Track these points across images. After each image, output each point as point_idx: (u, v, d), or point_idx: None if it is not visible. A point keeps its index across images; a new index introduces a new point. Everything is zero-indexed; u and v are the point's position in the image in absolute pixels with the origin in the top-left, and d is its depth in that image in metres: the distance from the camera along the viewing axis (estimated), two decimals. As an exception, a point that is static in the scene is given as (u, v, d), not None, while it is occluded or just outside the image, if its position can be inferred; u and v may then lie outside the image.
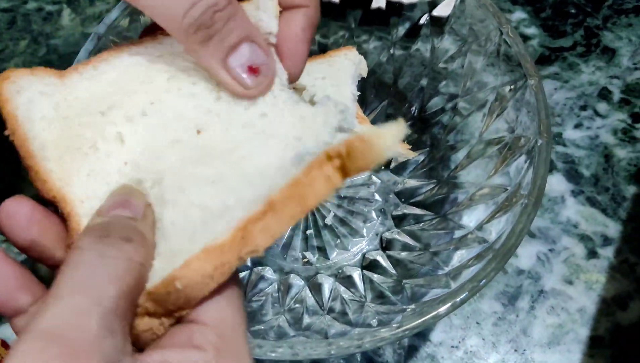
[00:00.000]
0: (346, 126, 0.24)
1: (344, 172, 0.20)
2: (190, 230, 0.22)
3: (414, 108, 0.50)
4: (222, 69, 0.24)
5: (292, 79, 0.28)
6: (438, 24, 0.47)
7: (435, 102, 0.48)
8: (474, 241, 0.40)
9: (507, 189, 0.39)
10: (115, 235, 0.20)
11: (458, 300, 0.34)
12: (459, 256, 0.40)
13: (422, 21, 0.47)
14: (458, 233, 0.42)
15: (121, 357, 0.17)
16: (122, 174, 0.24)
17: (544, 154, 0.37)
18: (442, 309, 0.33)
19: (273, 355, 0.33)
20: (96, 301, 0.17)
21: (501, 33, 0.41)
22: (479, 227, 0.40)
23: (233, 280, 0.21)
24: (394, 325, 0.33)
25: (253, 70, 0.24)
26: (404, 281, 0.41)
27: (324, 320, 0.42)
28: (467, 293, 0.34)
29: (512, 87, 0.42)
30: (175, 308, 0.20)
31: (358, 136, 0.19)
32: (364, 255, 0.46)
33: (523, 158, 0.39)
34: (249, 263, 0.45)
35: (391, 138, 0.19)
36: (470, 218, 0.42)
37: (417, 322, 0.33)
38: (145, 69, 0.27)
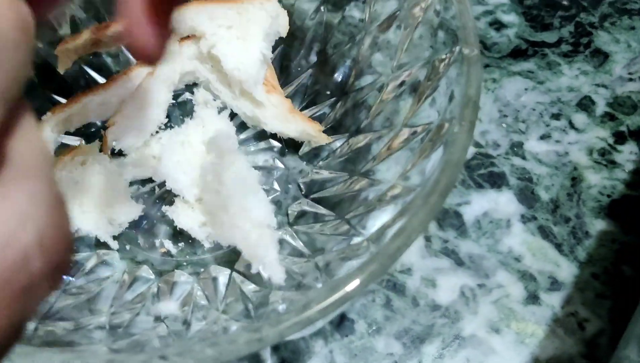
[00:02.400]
0: None
1: None
2: None
3: (340, 84, 0.40)
4: None
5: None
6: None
7: (365, 79, 0.39)
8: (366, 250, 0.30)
9: (416, 190, 0.29)
10: None
11: (372, 270, 0.24)
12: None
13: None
14: (355, 240, 0.32)
15: None
16: None
17: (459, 145, 0.27)
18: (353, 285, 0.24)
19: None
20: None
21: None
22: (374, 237, 0.30)
23: None
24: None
25: None
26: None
27: (158, 329, 0.32)
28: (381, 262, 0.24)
29: (446, 61, 0.32)
30: None
31: None
32: (240, 255, 0.36)
33: (440, 151, 0.29)
34: (92, 242, 0.36)
35: None
36: (374, 223, 0.32)
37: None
38: None
